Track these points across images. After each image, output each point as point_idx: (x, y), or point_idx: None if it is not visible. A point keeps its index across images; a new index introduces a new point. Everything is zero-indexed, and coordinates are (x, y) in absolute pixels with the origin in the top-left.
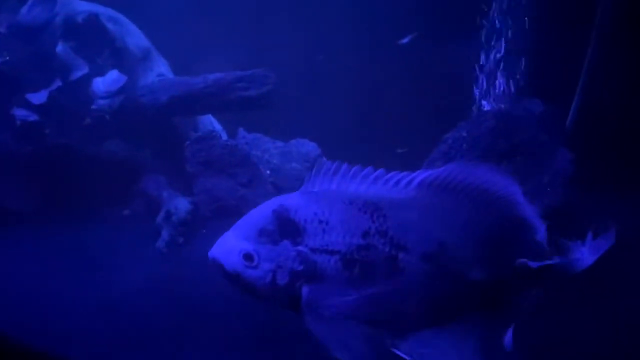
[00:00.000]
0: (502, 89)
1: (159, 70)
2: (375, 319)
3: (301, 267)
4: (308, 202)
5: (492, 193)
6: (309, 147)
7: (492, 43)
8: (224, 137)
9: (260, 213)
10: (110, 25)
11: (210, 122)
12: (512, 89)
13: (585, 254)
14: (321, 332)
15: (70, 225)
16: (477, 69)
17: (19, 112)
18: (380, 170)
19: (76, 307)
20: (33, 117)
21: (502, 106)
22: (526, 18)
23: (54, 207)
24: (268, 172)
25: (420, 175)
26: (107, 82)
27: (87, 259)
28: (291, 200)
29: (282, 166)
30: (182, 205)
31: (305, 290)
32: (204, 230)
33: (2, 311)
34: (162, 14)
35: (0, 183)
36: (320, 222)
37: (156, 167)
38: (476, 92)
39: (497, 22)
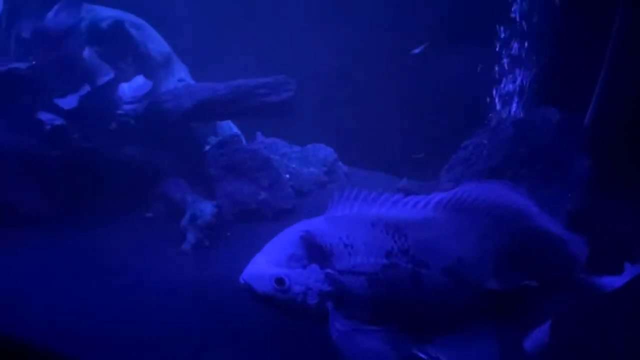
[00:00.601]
0: (520, 98)
1: (180, 75)
2: (400, 329)
3: (330, 288)
4: (333, 227)
5: (505, 209)
6: (326, 152)
7: (510, 52)
8: (243, 141)
9: (288, 239)
10: (133, 31)
11: (229, 126)
12: (530, 98)
13: (617, 277)
14: (349, 345)
15: (92, 227)
16: (495, 77)
17: (45, 116)
18: (398, 195)
19: (108, 309)
20: (59, 121)
21: (521, 115)
22: (547, 28)
23: (75, 210)
24: (287, 176)
25: (436, 197)
26: (133, 87)
27: (113, 261)
28: (317, 226)
29: (301, 170)
30: (207, 208)
31: (333, 307)
32: (228, 234)
33: (32, 315)
34: (177, 20)
35: (25, 186)
36: (346, 245)
37: (176, 170)
38: (493, 100)
39: (516, 30)
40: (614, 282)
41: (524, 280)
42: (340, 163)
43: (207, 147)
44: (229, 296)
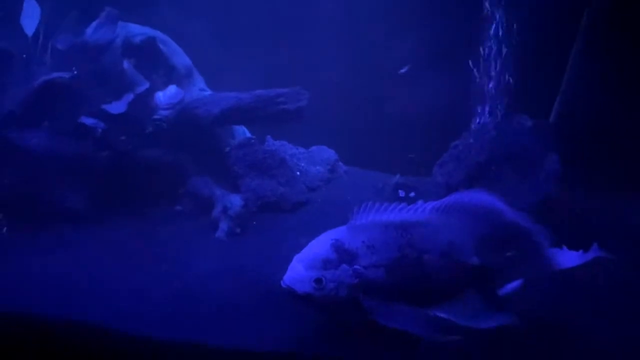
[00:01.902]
0: (497, 106)
1: (200, 85)
2: (414, 301)
3: (357, 281)
4: (355, 233)
5: (482, 208)
6: (329, 153)
7: (485, 67)
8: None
9: (321, 246)
10: (161, 46)
11: (243, 130)
12: (506, 106)
13: (569, 258)
14: (383, 316)
15: (130, 221)
16: (476, 90)
17: (88, 121)
18: (402, 204)
19: (162, 291)
20: (102, 126)
21: (500, 120)
22: (514, 42)
23: (111, 206)
24: (298, 173)
25: (431, 204)
26: (167, 95)
27: (156, 249)
28: (342, 234)
29: (308, 169)
30: (236, 201)
31: (363, 296)
32: (254, 222)
33: (98, 300)
34: (188, 35)
35: (66, 185)
36: (368, 247)
37: (200, 169)
38: (474, 109)
39: (489, 47)
40: (573, 259)
41: (497, 257)
42: (340, 163)
43: (228, 149)
44: (266, 276)
